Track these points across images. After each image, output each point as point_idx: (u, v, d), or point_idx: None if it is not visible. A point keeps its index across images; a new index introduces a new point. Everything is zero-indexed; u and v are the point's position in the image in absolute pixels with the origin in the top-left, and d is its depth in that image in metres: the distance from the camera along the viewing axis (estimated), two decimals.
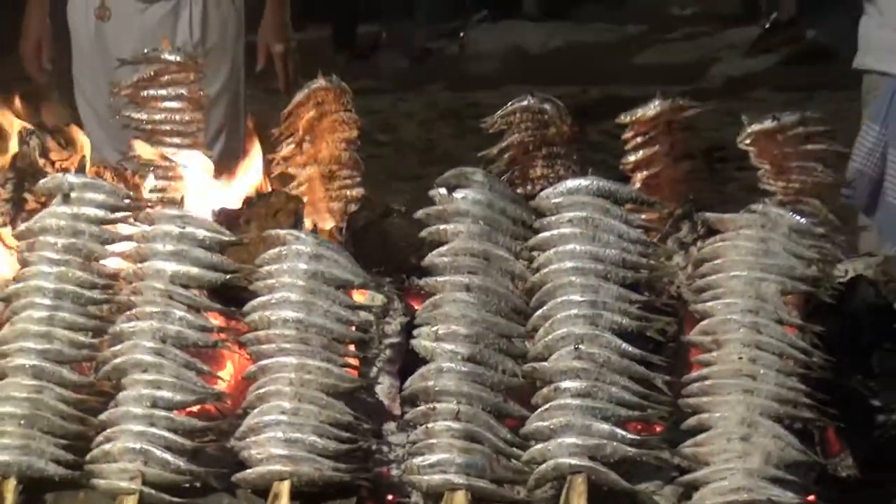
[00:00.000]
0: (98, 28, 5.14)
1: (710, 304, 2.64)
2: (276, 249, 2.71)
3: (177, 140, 3.20)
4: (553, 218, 2.70)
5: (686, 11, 11.59)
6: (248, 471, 2.56)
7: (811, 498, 2.51)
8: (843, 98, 6.99)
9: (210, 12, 5.16)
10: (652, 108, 3.10)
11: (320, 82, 3.27)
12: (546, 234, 2.69)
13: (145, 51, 3.52)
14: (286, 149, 3.29)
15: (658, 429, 2.60)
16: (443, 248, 2.69)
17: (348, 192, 3.23)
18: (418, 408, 2.59)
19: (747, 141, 3.11)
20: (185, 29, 5.11)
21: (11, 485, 2.59)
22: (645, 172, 3.12)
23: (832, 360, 2.59)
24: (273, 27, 5.35)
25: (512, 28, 11.31)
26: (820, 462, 2.53)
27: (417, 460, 2.54)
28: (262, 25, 5.40)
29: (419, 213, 2.76)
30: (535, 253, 2.69)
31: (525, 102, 3.15)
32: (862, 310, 2.71)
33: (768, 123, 3.07)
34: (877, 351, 2.66)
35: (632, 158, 3.11)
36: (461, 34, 10.97)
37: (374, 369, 2.72)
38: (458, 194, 2.71)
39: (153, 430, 2.58)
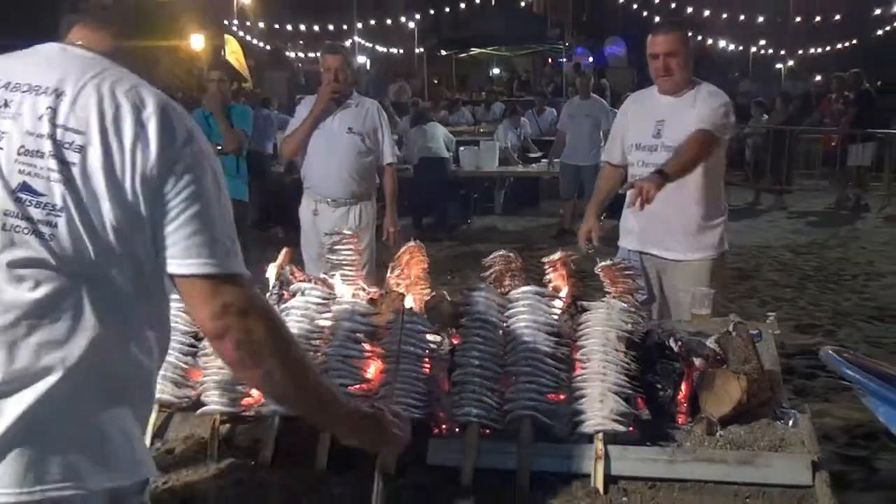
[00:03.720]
0: (313, 218, 5.18)
1: (585, 341, 2.60)
2: (395, 317, 2.69)
3: (349, 269, 3.17)
4: (516, 303, 2.68)
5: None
6: None
7: (631, 428, 2.45)
8: None
9: (362, 212, 5.19)
10: (557, 255, 3.06)
11: (411, 244, 3.26)
12: (512, 310, 2.66)
13: (335, 230, 3.54)
14: (397, 272, 3.25)
15: (562, 397, 2.53)
16: (467, 317, 2.67)
17: (424, 291, 3.19)
18: (456, 385, 2.55)
19: (598, 270, 3.07)
20: (352, 218, 5.14)
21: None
22: (553, 283, 3.07)
23: (639, 367, 2.56)
24: (390, 219, 5.38)
25: (492, 219, 11.34)
26: (634, 412, 2.47)
27: (456, 410, 2.50)
28: (385, 218, 5.42)
29: (458, 300, 2.74)
30: (508, 317, 2.66)
31: (501, 252, 3.11)
32: (651, 344, 2.68)
33: (608, 262, 3.04)
34: (658, 362, 2.62)
35: (548, 277, 3.05)
36: (469, 221, 11.00)
37: (437, 368, 2.68)
38: (474, 293, 2.70)
39: None
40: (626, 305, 2.67)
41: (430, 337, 2.73)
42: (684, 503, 2.24)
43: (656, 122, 3.75)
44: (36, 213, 1.40)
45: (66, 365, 1.42)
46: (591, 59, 21.67)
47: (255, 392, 2.70)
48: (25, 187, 1.39)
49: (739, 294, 7.38)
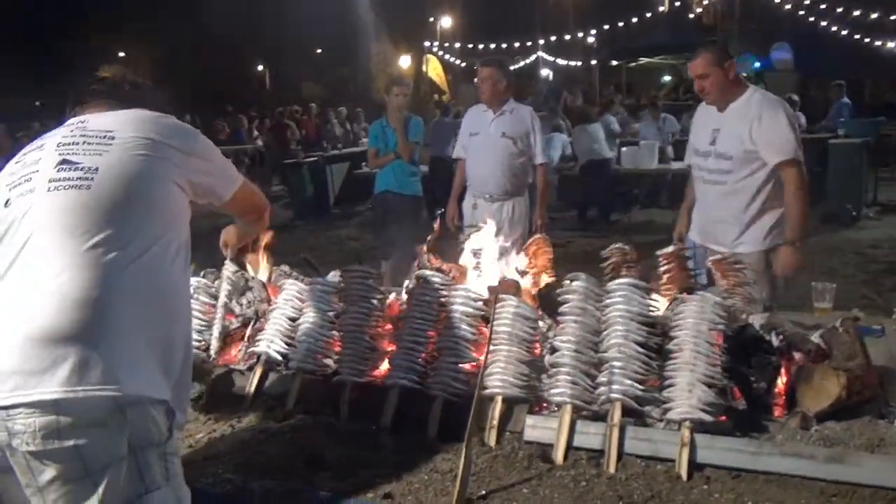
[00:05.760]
0: (472, 211, 5.10)
1: (678, 332, 2.35)
2: (503, 303, 2.55)
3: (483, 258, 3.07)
4: (612, 293, 2.45)
5: None
6: (487, 391, 2.39)
7: (723, 418, 2.21)
8: None
9: (515, 206, 5.06)
10: (670, 248, 2.83)
11: (537, 236, 3.13)
12: (609, 300, 2.44)
13: (472, 223, 3.46)
14: (526, 261, 3.12)
15: (654, 384, 2.31)
16: (567, 305, 2.49)
17: (548, 279, 3.04)
18: (554, 368, 2.40)
19: (710, 264, 2.81)
20: (505, 212, 5.00)
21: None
22: (666, 275, 2.82)
23: (732, 359, 2.29)
24: (539, 213, 5.18)
25: (653, 212, 10.57)
26: (724, 403, 2.22)
27: (553, 391, 2.35)
28: (534, 212, 5.22)
29: (559, 290, 2.56)
30: (604, 307, 2.45)
31: (618, 245, 2.93)
32: (748, 337, 2.39)
33: (718, 256, 2.78)
34: (754, 355, 2.34)
35: (661, 269, 2.81)
36: (629, 214, 10.55)
37: (543, 351, 2.53)
38: (574, 283, 2.51)
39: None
40: (719, 299, 2.38)
41: (540, 323, 2.59)
42: (766, 495, 1.97)
43: (712, 130, 3.64)
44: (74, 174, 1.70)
45: (103, 295, 1.59)
46: (757, 64, 20.14)
47: (383, 366, 2.69)
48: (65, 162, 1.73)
49: (888, 287, 6.55)
